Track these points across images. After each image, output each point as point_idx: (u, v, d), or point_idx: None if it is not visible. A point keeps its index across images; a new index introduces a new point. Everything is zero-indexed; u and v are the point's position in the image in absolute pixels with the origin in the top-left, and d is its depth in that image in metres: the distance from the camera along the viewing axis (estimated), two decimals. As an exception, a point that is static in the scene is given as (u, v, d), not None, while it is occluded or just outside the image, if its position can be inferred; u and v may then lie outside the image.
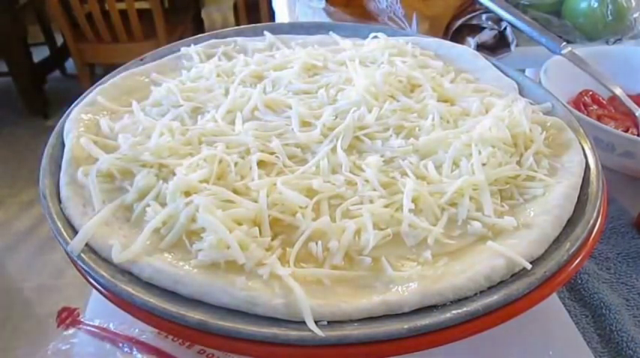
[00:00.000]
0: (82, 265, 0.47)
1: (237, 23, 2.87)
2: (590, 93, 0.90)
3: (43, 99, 2.98)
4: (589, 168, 0.57)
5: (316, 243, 0.48)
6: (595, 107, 0.88)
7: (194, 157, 0.54)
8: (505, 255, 0.47)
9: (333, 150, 0.56)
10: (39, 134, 2.71)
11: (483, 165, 0.54)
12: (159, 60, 0.73)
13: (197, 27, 3.07)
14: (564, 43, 0.88)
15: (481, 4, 1.01)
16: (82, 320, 0.54)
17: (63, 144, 0.58)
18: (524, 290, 0.45)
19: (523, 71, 0.91)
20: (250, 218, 0.49)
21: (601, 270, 0.68)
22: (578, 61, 0.85)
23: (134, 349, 0.51)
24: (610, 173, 0.60)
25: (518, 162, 0.57)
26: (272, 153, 0.56)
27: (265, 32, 0.79)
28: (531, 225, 0.50)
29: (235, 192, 0.51)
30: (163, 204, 0.50)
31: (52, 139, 0.59)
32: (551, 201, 0.52)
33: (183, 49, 0.75)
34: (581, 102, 0.87)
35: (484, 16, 1.01)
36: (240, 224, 0.48)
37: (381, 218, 0.49)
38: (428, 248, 0.49)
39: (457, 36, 1.01)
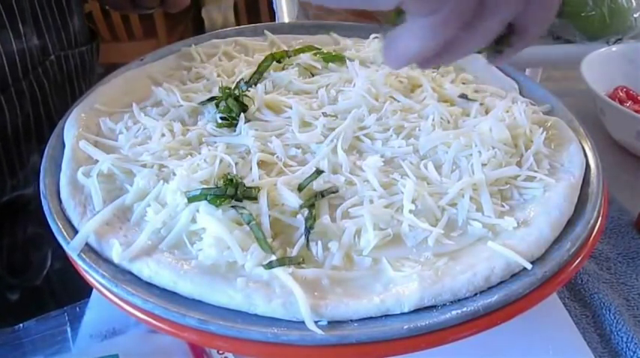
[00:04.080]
0: (82, 265, 0.47)
1: (238, 23, 2.87)
2: (625, 89, 0.93)
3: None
4: (589, 168, 0.57)
5: (316, 243, 0.48)
6: (630, 102, 0.91)
7: (194, 158, 0.54)
8: (505, 256, 0.47)
9: (334, 150, 0.56)
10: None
11: (484, 165, 0.54)
12: (159, 60, 0.73)
13: (197, 26, 3.07)
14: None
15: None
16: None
17: (63, 144, 0.58)
18: (525, 290, 0.45)
19: (523, 71, 0.91)
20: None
21: (601, 270, 0.68)
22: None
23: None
24: (610, 173, 0.60)
25: (519, 163, 0.57)
26: (272, 154, 0.56)
27: (266, 32, 0.80)
28: (531, 225, 0.50)
29: (235, 192, 0.51)
30: (164, 205, 0.50)
31: (52, 139, 0.59)
32: (551, 201, 0.52)
33: (183, 49, 0.75)
34: (617, 98, 0.90)
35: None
36: (240, 224, 0.48)
37: (381, 218, 0.49)
38: (428, 248, 0.49)
39: (457, 36, 1.01)
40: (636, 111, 0.84)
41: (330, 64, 0.71)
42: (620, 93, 0.91)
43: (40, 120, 0.74)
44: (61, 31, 0.75)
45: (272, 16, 1.45)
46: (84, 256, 0.47)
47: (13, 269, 0.77)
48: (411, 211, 0.50)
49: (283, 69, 0.71)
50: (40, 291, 0.80)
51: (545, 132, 0.60)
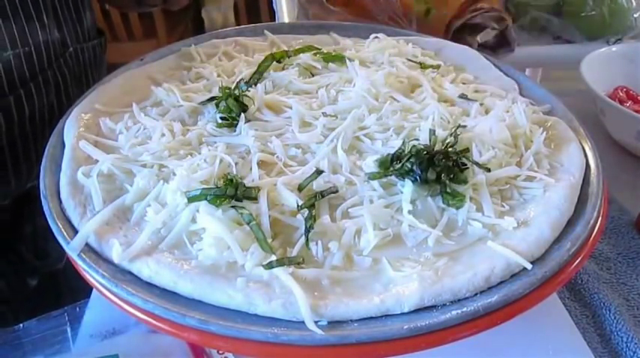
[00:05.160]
0: (82, 265, 0.47)
1: (238, 23, 2.87)
2: (625, 89, 0.92)
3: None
4: (589, 168, 0.57)
5: (316, 243, 0.48)
6: (630, 102, 0.91)
7: (194, 158, 0.54)
8: (505, 256, 0.47)
9: (334, 150, 0.56)
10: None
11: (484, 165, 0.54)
12: (159, 60, 0.73)
13: (197, 26, 3.06)
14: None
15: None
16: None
17: (63, 144, 0.58)
18: (525, 291, 0.45)
19: (524, 71, 0.91)
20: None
21: (601, 270, 0.68)
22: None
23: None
24: (610, 173, 0.60)
25: (519, 163, 0.57)
26: (272, 154, 0.56)
27: (266, 32, 0.80)
28: (531, 225, 0.50)
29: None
30: (163, 205, 0.50)
31: (53, 139, 0.59)
32: (551, 201, 0.52)
33: (183, 49, 0.75)
34: (617, 98, 0.90)
35: (485, 16, 1.01)
36: (240, 224, 0.48)
37: (381, 218, 0.49)
38: (428, 248, 0.49)
39: (458, 36, 1.01)
40: (636, 111, 0.84)
41: (330, 64, 0.71)
42: (620, 93, 0.91)
43: (62, 109, 0.78)
44: (77, 25, 0.80)
45: (272, 16, 1.45)
46: (84, 256, 0.47)
47: (38, 253, 0.82)
48: (410, 212, 0.50)
49: (283, 69, 0.71)
50: (57, 279, 0.84)
51: (545, 132, 0.60)
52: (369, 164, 0.54)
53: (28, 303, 0.75)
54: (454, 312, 0.43)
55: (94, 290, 0.47)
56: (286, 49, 0.75)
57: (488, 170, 0.54)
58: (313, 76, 0.70)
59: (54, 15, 0.76)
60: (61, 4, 0.77)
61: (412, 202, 0.51)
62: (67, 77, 0.79)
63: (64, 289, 0.84)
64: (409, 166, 0.52)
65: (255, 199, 0.50)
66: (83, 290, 0.59)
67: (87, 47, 0.83)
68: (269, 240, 0.47)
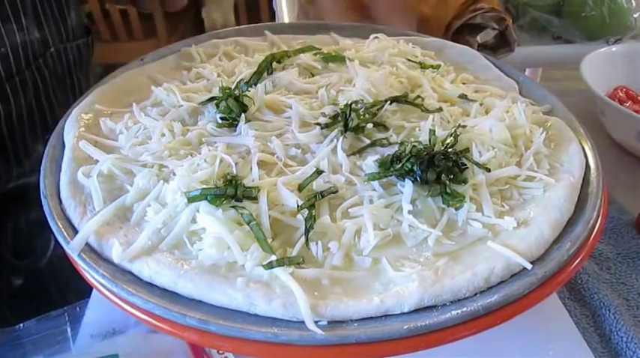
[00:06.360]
0: (83, 264, 0.47)
1: (238, 23, 2.87)
2: (625, 89, 0.93)
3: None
4: (589, 168, 0.57)
5: (316, 243, 0.48)
6: (630, 102, 0.91)
7: (194, 158, 0.54)
8: (505, 256, 0.47)
9: (333, 150, 0.56)
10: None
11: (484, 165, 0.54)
12: (159, 60, 0.73)
13: (197, 26, 3.06)
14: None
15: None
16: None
17: (63, 144, 0.58)
18: (525, 290, 0.45)
19: (523, 71, 0.91)
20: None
21: (601, 270, 0.68)
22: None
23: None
24: (610, 173, 0.60)
25: (519, 163, 0.57)
26: (272, 154, 0.56)
27: (266, 32, 0.80)
28: (531, 225, 0.50)
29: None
30: (164, 205, 0.50)
31: (53, 139, 0.59)
32: (551, 201, 0.52)
33: (183, 49, 0.75)
34: (617, 98, 0.90)
35: (485, 16, 1.01)
36: (240, 224, 0.48)
37: (381, 218, 0.49)
38: (428, 248, 0.49)
39: (458, 36, 1.01)
40: (636, 111, 0.84)
41: (330, 64, 0.72)
42: (620, 94, 0.91)
43: (42, 111, 0.77)
44: (60, 25, 0.79)
45: (272, 16, 1.45)
46: (84, 256, 0.47)
47: (18, 252, 0.81)
48: (410, 212, 0.50)
49: (283, 69, 0.71)
50: (43, 276, 0.83)
51: (545, 132, 0.60)
52: (369, 164, 0.54)
53: (16, 303, 0.73)
54: (454, 312, 0.43)
55: (94, 290, 0.47)
56: (286, 49, 0.75)
57: (488, 170, 0.54)
58: (313, 76, 0.70)
59: (34, 14, 0.74)
60: (42, 4, 0.75)
61: (412, 202, 0.51)
62: (47, 78, 0.77)
63: (52, 288, 0.83)
64: (409, 166, 0.52)
65: (255, 199, 0.50)
66: (76, 288, 0.59)
67: (71, 47, 0.81)
68: (269, 240, 0.47)
